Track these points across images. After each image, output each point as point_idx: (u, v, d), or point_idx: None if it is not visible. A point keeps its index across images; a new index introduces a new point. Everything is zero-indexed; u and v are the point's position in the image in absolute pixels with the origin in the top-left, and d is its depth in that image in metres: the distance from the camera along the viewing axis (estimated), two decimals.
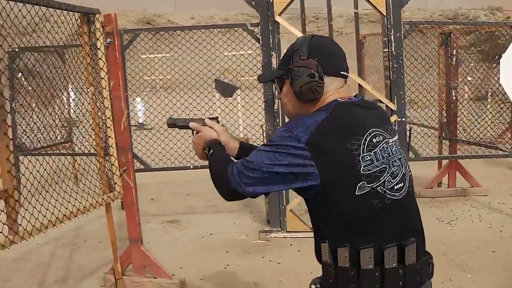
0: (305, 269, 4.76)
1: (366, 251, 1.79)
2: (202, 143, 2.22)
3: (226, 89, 9.97)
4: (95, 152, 4.17)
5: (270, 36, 5.44)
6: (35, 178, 3.48)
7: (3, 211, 3.09)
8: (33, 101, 6.78)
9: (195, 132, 2.29)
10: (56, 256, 5.36)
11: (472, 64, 7.11)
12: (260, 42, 5.51)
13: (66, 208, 3.54)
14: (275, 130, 5.36)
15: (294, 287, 4.23)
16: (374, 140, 1.85)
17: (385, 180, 1.84)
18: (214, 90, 9.69)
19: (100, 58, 3.89)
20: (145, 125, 10.66)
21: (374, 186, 1.81)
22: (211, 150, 2.14)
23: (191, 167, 5.99)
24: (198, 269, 4.79)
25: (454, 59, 6.84)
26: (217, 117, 2.32)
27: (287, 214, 5.57)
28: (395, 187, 1.86)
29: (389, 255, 1.81)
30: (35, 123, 7.27)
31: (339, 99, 1.91)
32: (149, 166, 6.26)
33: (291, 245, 5.34)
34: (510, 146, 6.47)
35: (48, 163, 3.81)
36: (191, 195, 7.52)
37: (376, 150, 1.84)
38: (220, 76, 9.86)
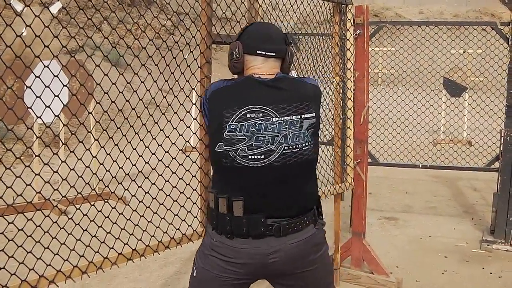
0: None
1: (221, 200, 2.23)
2: None
3: (455, 89, 9.64)
4: (327, 141, 4.26)
5: None
6: None
7: None
8: None
9: None
10: None
11: None
12: (509, 42, 5.14)
13: None
14: None
15: None
16: (248, 115, 2.16)
17: (239, 148, 2.17)
18: (437, 88, 9.41)
19: (348, 49, 3.93)
20: None
21: (228, 149, 2.18)
22: None
23: (420, 166, 5.85)
24: (414, 270, 4.68)
25: None
26: None
27: None
28: (249, 157, 2.18)
29: (236, 206, 2.21)
30: None
31: (253, 74, 2.25)
32: (377, 160, 6.23)
33: None
34: None
35: None
36: (409, 193, 7.32)
37: (244, 123, 2.16)
38: (445, 74, 9.54)
